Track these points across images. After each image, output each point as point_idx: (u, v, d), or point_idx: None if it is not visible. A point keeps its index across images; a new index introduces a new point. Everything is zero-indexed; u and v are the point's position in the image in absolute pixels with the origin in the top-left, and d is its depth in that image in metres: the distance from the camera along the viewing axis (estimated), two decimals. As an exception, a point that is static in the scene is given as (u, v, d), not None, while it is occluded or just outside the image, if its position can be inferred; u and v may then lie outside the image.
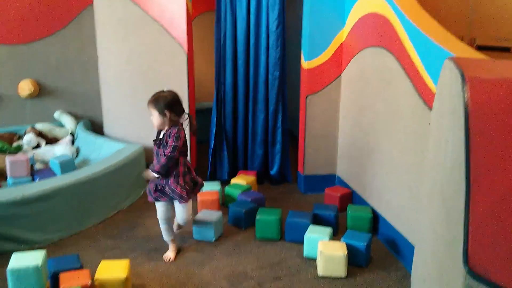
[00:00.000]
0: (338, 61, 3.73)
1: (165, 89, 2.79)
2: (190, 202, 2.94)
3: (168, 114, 2.72)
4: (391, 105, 2.97)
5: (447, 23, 2.78)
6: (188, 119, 2.86)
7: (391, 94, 2.96)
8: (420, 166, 2.61)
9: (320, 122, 3.86)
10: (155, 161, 2.82)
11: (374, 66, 3.19)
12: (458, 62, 1.73)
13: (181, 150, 2.79)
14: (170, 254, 2.93)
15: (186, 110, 3.88)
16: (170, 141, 2.73)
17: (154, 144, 2.82)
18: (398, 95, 2.87)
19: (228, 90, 4.10)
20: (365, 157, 3.40)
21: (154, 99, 2.75)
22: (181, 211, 2.91)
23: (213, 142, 4.22)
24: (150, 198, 2.90)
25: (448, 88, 1.76)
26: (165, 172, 2.79)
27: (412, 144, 2.71)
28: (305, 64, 3.76)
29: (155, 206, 3.67)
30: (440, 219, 1.80)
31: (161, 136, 2.80)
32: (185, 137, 2.81)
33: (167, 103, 2.72)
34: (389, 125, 3.01)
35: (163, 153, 2.76)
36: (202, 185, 3.01)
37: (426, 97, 2.53)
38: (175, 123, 2.78)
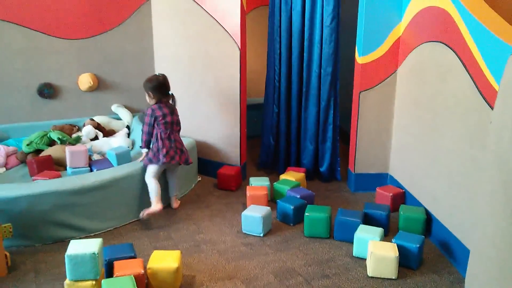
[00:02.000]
0: (394, 56, 3.62)
1: (158, 73, 3.52)
2: (150, 166, 3.41)
3: (151, 94, 3.41)
4: (449, 102, 2.85)
5: (510, 17, 2.62)
6: (172, 98, 3.52)
7: (450, 91, 2.84)
8: (476, 166, 2.49)
9: (373, 119, 3.77)
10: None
11: (433, 62, 3.07)
12: (525, 58, 1.64)
13: (158, 123, 3.41)
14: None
15: (237, 106, 3.95)
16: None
17: None
18: (457, 92, 2.75)
19: (282, 83, 4.10)
20: (419, 155, 3.29)
21: (144, 81, 3.45)
22: None
23: (269, 136, 4.25)
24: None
25: (513, 86, 1.68)
26: (146, 144, 3.47)
27: (470, 143, 2.59)
28: (359, 59, 3.68)
29: (205, 198, 3.77)
30: (504, 219, 1.71)
31: None
32: (161, 113, 3.41)
33: (152, 85, 3.40)
34: (446, 122, 2.89)
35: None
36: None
37: (487, 93, 2.40)
38: (158, 101, 3.43)
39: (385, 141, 3.81)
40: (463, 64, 2.65)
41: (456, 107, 2.75)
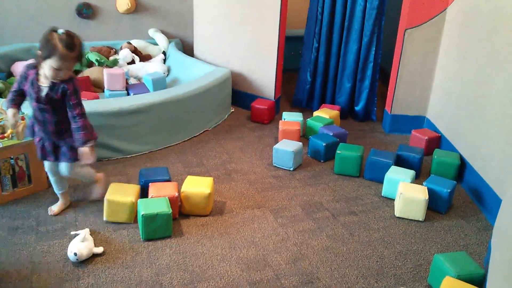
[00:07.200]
0: (446, -8, 3.41)
1: (60, 31, 2.14)
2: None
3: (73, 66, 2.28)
4: (501, 48, 2.70)
5: None
6: None
7: (503, 36, 2.68)
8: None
9: (416, 59, 3.62)
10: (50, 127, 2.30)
11: (486, 2, 2.88)
12: None
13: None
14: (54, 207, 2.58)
15: (276, 37, 3.85)
16: (73, 98, 2.25)
17: (38, 102, 2.24)
18: (509, 37, 2.59)
19: (325, 16, 3.94)
20: (461, 101, 3.18)
21: (77, 49, 2.18)
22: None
23: (306, 72, 4.17)
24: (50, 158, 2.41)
25: None
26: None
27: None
28: (408, -6, 3.48)
29: (237, 130, 3.80)
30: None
31: (46, 91, 2.23)
32: None
33: (83, 51, 2.27)
34: (495, 70, 2.75)
35: (65, 111, 2.27)
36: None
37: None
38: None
39: (426, 83, 3.68)
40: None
41: (508, 55, 2.60)
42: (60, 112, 2.28)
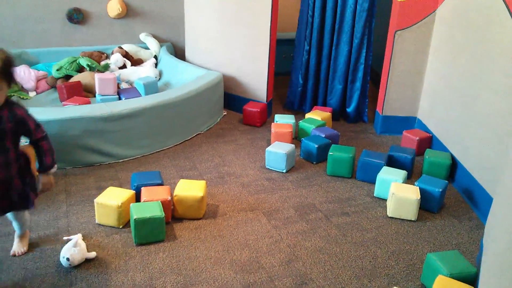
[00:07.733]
0: (435, -6, 3.44)
1: None
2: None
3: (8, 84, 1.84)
4: (490, 47, 2.73)
5: None
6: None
7: (492, 36, 2.71)
8: (513, 115, 2.43)
9: (406, 60, 3.65)
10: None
11: (475, 3, 2.91)
12: None
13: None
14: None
15: (267, 40, 3.86)
16: (31, 122, 1.96)
17: None
18: (499, 37, 2.62)
19: (316, 19, 3.96)
20: (452, 101, 3.21)
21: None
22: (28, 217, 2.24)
23: (298, 75, 4.19)
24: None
25: None
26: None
27: (509, 91, 2.50)
28: (397, -4, 3.51)
29: (229, 133, 3.80)
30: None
31: None
32: None
33: (11, 68, 1.84)
34: (485, 69, 2.78)
35: (16, 143, 1.95)
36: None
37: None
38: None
39: (417, 84, 3.71)
40: (508, 8, 2.50)
41: (497, 54, 2.63)
42: (9, 151, 1.91)
